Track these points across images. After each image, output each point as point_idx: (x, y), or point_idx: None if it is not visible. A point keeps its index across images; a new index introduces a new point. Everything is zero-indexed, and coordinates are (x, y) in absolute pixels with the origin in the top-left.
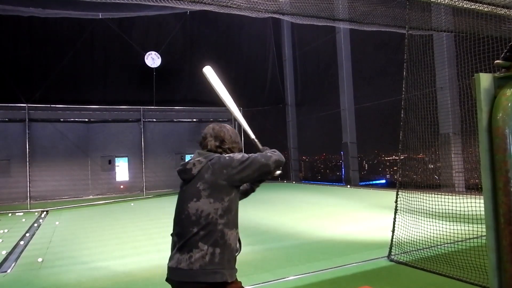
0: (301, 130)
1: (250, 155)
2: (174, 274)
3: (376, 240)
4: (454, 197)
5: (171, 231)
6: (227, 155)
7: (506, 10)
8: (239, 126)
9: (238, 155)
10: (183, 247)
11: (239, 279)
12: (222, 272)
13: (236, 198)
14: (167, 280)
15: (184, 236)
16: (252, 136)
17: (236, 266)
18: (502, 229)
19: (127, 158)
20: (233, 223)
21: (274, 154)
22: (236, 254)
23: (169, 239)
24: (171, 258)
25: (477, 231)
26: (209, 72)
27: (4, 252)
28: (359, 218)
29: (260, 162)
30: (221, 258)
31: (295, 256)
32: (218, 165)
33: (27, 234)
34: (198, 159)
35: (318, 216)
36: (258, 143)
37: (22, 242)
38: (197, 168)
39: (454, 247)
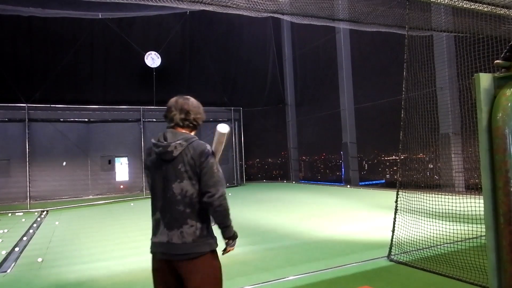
0: (301, 130)
1: (219, 170)
2: (165, 247)
3: (376, 240)
4: (454, 197)
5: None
6: (207, 147)
7: (506, 10)
8: (239, 128)
9: (213, 158)
10: (171, 224)
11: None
12: (210, 242)
13: None
14: (154, 254)
15: (171, 213)
16: None
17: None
18: (502, 229)
19: (127, 158)
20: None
21: (216, 195)
22: (212, 225)
23: None
24: (157, 234)
25: (477, 231)
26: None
27: (4, 252)
28: (359, 218)
29: (212, 182)
30: (208, 230)
31: (295, 256)
32: (198, 150)
33: (27, 234)
34: (179, 142)
35: (318, 216)
36: None
37: (22, 242)
38: (178, 150)
39: (454, 247)
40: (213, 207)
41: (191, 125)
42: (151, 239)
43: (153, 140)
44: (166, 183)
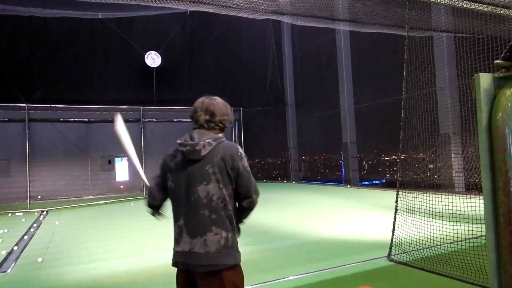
0: (301, 130)
1: (250, 173)
2: (187, 257)
3: (376, 240)
4: (454, 197)
5: (173, 217)
6: (239, 148)
7: (506, 10)
8: (239, 128)
9: (245, 161)
10: (194, 231)
11: None
12: (235, 255)
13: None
14: (175, 265)
15: (195, 219)
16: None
17: None
18: (502, 229)
19: (127, 158)
20: (236, 210)
21: (256, 199)
22: (238, 237)
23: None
24: (180, 243)
25: (477, 231)
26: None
27: (4, 252)
28: (359, 218)
29: (253, 187)
30: (233, 241)
31: (295, 256)
32: (229, 152)
33: (27, 234)
34: (208, 140)
35: (318, 216)
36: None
37: (22, 242)
38: (206, 150)
39: (454, 247)
40: (250, 210)
41: (216, 127)
42: (174, 248)
43: (178, 141)
44: (191, 185)
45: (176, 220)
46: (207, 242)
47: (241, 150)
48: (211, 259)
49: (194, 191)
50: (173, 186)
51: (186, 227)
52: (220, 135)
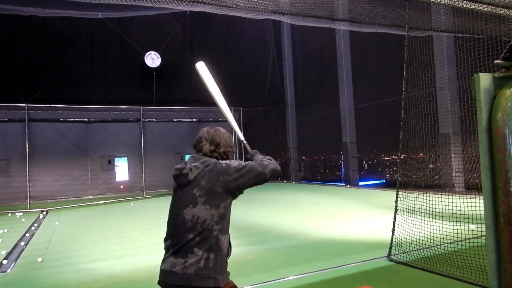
0: (301, 130)
1: (247, 163)
2: (168, 277)
3: (376, 240)
4: (454, 197)
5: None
6: (223, 162)
7: (506, 10)
8: (239, 128)
9: (235, 163)
10: (178, 252)
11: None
12: (215, 277)
13: (230, 204)
14: (159, 283)
15: (179, 241)
16: (242, 138)
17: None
18: (502, 229)
19: (126, 158)
20: (226, 229)
21: (270, 163)
22: (227, 258)
23: None
24: (164, 261)
25: (477, 231)
26: (201, 68)
27: (3, 252)
28: (359, 218)
29: (257, 171)
30: (215, 263)
31: (295, 256)
32: (214, 172)
33: (27, 234)
34: (194, 164)
35: (318, 216)
36: (247, 145)
37: (22, 242)
38: (193, 174)
39: (454, 247)
40: (274, 171)
41: (219, 157)
42: (160, 266)
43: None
44: (177, 208)
45: (166, 239)
46: (187, 263)
47: (223, 162)
48: (188, 281)
49: (179, 215)
50: (170, 206)
51: (172, 247)
52: (212, 159)
